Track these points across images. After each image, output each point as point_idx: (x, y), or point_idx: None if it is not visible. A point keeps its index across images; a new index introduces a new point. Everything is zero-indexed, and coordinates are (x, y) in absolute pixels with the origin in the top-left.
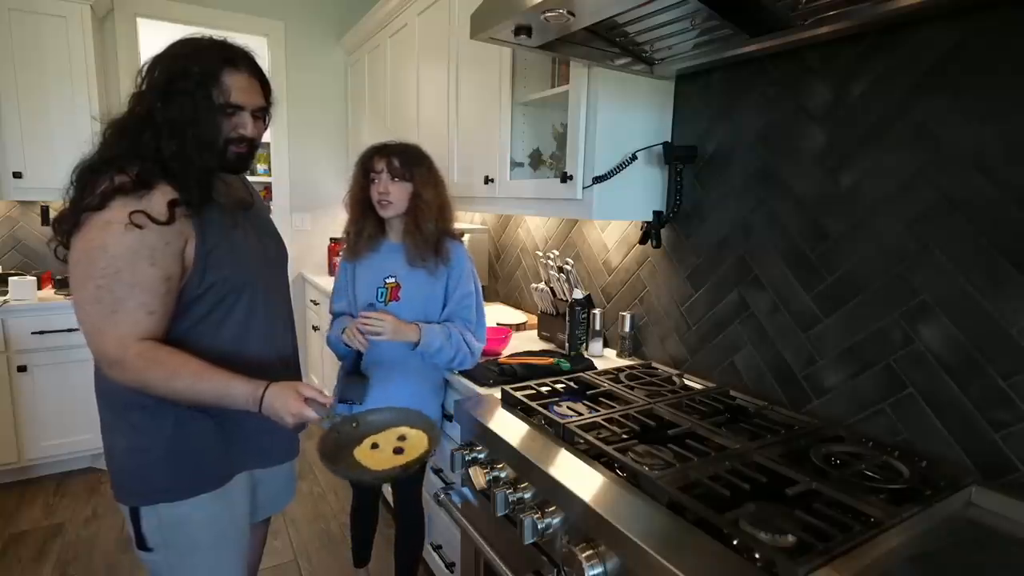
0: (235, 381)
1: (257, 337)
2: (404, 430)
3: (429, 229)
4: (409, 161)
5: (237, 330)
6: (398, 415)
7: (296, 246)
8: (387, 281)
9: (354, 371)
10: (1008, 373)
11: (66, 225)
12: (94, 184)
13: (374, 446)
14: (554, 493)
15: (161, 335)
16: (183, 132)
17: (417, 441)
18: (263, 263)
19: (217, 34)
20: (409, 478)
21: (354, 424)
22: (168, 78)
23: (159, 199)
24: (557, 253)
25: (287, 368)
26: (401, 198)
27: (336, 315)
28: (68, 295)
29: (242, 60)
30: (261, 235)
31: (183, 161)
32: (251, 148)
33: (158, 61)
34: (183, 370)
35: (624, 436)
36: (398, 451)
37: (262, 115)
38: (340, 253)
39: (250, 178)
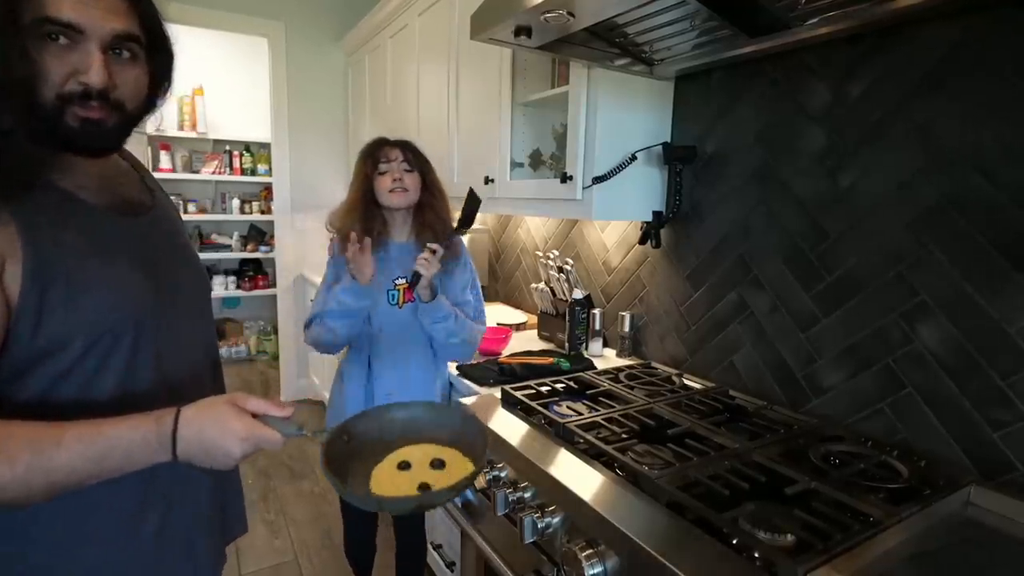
0: (120, 425)
1: (151, 377)
2: (440, 450)
3: (445, 219)
4: (418, 153)
5: (119, 378)
6: (428, 415)
7: (297, 246)
8: (397, 283)
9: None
10: (1007, 373)
11: None
12: None
13: (403, 465)
14: (554, 493)
15: None
16: None
17: (459, 465)
18: (157, 297)
19: (216, 35)
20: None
21: (345, 438)
22: None
23: None
24: (557, 253)
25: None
26: (414, 187)
27: (315, 316)
28: None
29: None
30: (160, 254)
31: None
32: (109, 109)
33: None
34: (16, 442)
35: (624, 436)
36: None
37: (133, 50)
38: (333, 251)
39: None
